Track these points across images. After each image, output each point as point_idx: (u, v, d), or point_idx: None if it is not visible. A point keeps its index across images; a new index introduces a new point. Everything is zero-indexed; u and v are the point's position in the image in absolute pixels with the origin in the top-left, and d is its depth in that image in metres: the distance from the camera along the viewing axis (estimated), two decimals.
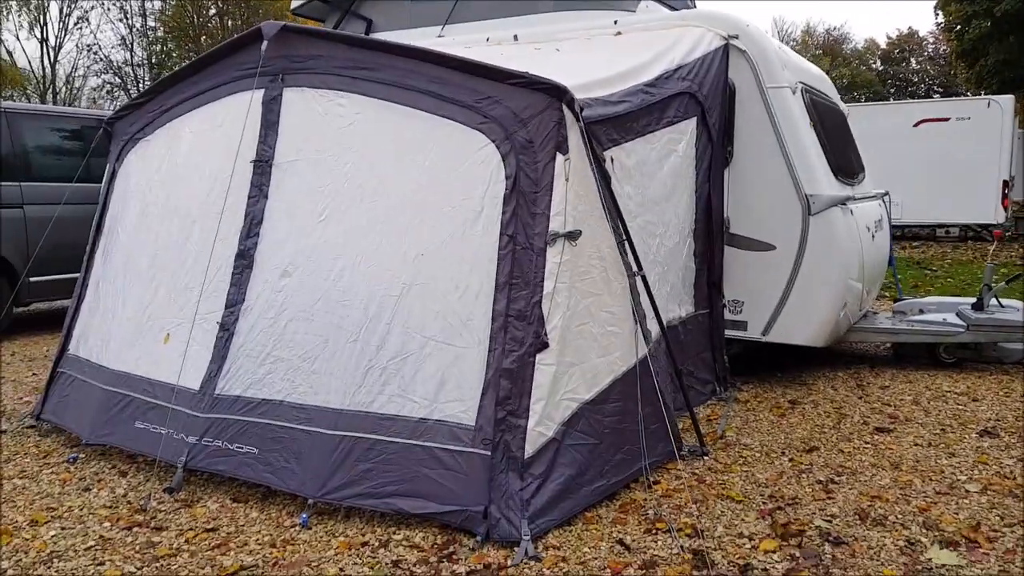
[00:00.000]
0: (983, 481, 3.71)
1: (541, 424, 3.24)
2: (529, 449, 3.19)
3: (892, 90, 46.48)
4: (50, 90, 28.95)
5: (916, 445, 4.23)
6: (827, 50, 48.16)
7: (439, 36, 6.28)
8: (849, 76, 47.06)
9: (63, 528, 3.31)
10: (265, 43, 3.90)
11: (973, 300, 5.89)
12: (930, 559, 2.96)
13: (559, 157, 3.38)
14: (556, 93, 3.37)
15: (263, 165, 3.98)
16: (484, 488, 3.15)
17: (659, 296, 4.44)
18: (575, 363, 3.44)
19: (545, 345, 3.27)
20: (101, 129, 4.89)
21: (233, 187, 3.98)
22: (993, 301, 5.83)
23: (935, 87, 45.16)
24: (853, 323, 5.71)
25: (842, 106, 6.62)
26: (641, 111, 4.12)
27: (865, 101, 37.88)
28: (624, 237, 3.64)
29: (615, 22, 5.46)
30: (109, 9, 28.55)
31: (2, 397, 5.41)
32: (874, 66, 49.07)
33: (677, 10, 5.85)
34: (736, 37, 5.09)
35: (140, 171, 4.61)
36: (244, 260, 3.92)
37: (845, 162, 5.81)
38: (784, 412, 4.84)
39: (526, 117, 3.41)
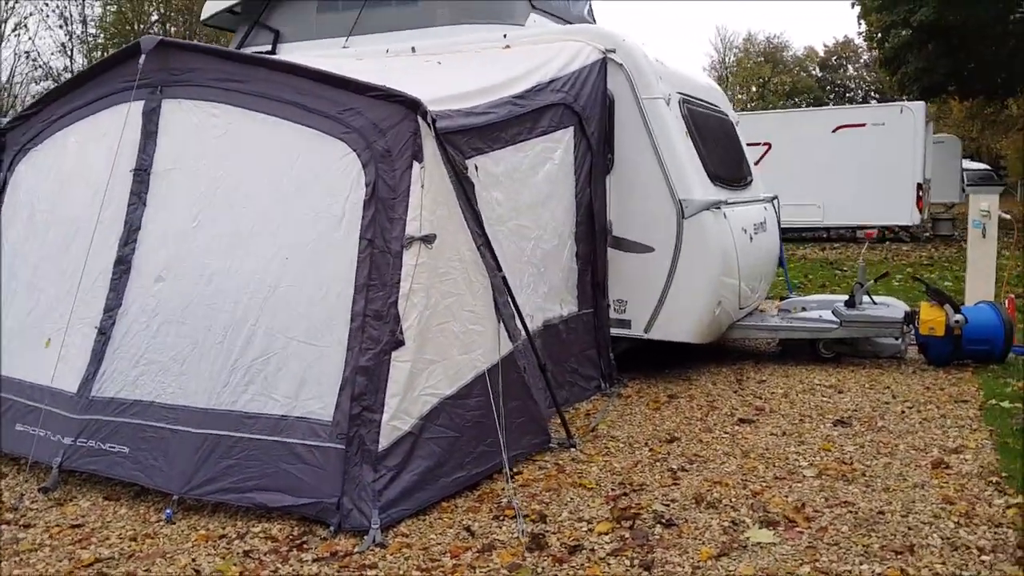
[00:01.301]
0: (820, 466, 4.00)
1: (396, 418, 3.43)
2: (383, 442, 3.38)
3: (831, 96, 47.92)
4: None
5: (772, 435, 4.52)
6: (768, 57, 49.39)
7: (343, 47, 6.45)
8: (790, 83, 48.44)
9: None
10: (143, 57, 4.04)
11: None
12: (748, 537, 3.21)
13: (415, 165, 3.58)
14: (411, 105, 3.57)
15: (142, 174, 4.11)
16: (339, 481, 3.32)
17: (536, 295, 4.69)
18: (435, 360, 3.64)
19: (400, 343, 3.46)
20: None
21: (113, 195, 4.11)
22: (867, 298, 6.20)
23: (872, 93, 46.64)
24: (735, 320, 6.02)
25: (732, 115, 6.95)
26: (509, 121, 4.35)
27: (805, 107, 39.06)
28: (483, 240, 3.86)
29: (504, 35, 5.70)
30: (48, 16, 27.99)
31: None
32: (814, 72, 50.50)
33: (569, 23, 6.12)
34: (613, 51, 5.36)
35: (29, 180, 4.69)
36: (123, 266, 4.04)
37: (725, 168, 6.12)
38: (660, 406, 5.11)
39: (385, 127, 3.61)
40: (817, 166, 15.04)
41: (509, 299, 4.00)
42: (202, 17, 7.25)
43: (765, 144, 15.53)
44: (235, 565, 3.03)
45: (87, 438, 3.79)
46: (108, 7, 28.18)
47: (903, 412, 4.89)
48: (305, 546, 3.18)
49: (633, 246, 5.48)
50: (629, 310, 5.55)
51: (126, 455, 3.69)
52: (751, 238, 6.03)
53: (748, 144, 7.18)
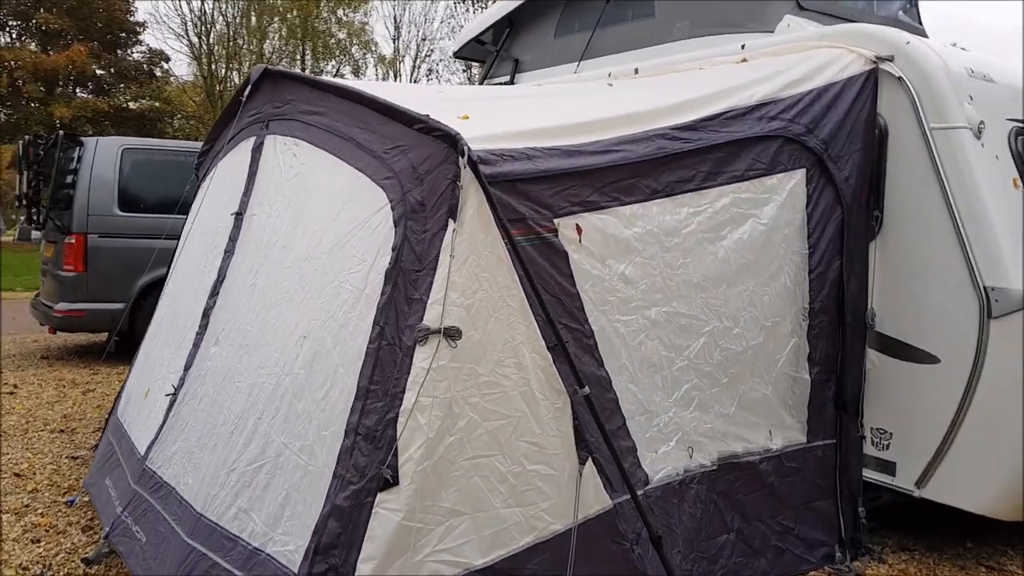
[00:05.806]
0: None
1: None
2: None
3: None
4: None
5: None
6: None
7: (575, 72, 5.53)
8: None
9: None
10: (248, 87, 3.58)
11: None
12: None
13: (450, 225, 2.48)
14: (450, 141, 2.49)
15: (239, 218, 3.62)
16: None
17: (710, 415, 3.23)
18: (460, 511, 2.49)
19: (388, 483, 2.38)
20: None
21: (218, 240, 3.71)
22: None
23: None
24: None
25: None
26: (656, 162, 2.97)
27: None
28: (556, 340, 2.58)
29: (743, 46, 4.21)
30: (455, 61, 32.21)
31: None
32: None
33: (850, 21, 4.37)
34: (890, 59, 3.55)
35: (191, 216, 4.57)
36: (205, 320, 3.58)
37: None
38: None
39: (423, 172, 2.59)
40: None
41: (598, 427, 2.64)
42: (453, 49, 6.90)
43: None
44: None
45: (129, 513, 3.37)
46: None
47: None
48: None
49: (906, 351, 3.58)
50: (894, 447, 3.64)
51: (142, 546, 3.16)
52: None
53: None
